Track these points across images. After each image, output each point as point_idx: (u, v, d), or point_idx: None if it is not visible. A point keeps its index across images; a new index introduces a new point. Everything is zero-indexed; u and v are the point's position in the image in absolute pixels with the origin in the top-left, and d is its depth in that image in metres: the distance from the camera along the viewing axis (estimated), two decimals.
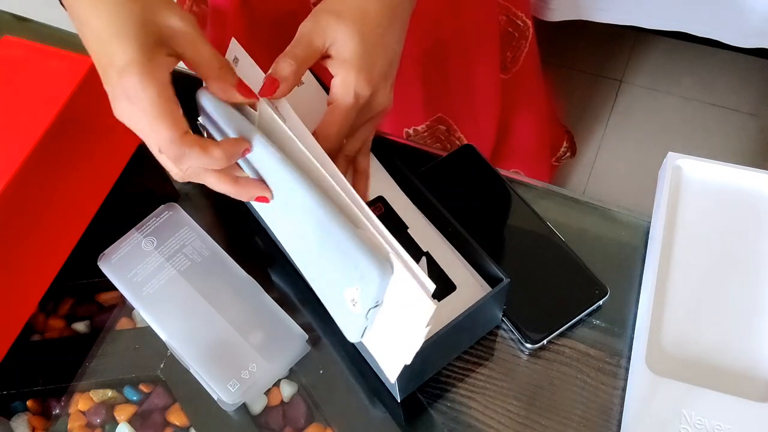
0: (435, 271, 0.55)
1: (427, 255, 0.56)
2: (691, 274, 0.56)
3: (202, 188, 0.66)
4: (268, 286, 0.58)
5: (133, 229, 0.61)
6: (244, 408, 0.56)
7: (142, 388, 0.58)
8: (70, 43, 0.74)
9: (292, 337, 0.56)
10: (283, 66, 0.49)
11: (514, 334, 0.57)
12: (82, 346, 0.60)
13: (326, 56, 0.51)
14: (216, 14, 0.79)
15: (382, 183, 0.59)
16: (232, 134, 0.48)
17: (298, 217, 0.48)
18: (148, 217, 0.61)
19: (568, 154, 1.41)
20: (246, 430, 0.56)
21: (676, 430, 0.50)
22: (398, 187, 0.59)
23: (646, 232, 0.60)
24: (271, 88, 0.48)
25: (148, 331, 0.58)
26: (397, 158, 0.58)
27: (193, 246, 0.60)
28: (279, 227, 0.53)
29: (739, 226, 0.58)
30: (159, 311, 0.57)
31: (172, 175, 0.49)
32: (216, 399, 0.55)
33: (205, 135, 0.53)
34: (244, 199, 0.50)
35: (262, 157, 0.48)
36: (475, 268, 0.55)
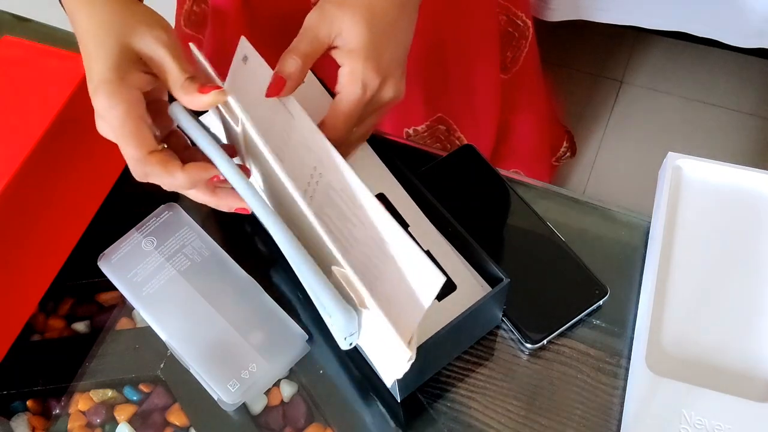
0: None
1: (428, 254, 0.56)
2: (691, 274, 0.56)
3: None
4: (268, 286, 0.58)
5: (133, 229, 0.61)
6: (244, 408, 0.56)
7: (142, 388, 0.58)
8: (70, 43, 0.74)
9: (292, 337, 0.56)
10: (289, 63, 0.49)
11: (514, 334, 0.57)
12: (82, 346, 0.60)
13: (332, 47, 0.50)
14: (216, 14, 0.79)
15: (384, 181, 0.59)
16: (209, 151, 0.47)
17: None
18: (148, 217, 0.61)
19: (568, 154, 1.41)
20: (246, 430, 0.56)
21: (676, 430, 0.50)
22: (399, 185, 0.59)
23: (646, 232, 0.60)
24: (277, 87, 0.48)
25: (148, 331, 0.58)
26: (397, 158, 0.58)
27: (193, 246, 0.60)
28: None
29: (739, 226, 0.57)
30: (159, 311, 0.57)
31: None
32: (216, 399, 0.55)
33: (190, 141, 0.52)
34: (223, 210, 0.50)
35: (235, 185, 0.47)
36: (475, 268, 0.55)
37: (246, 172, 0.48)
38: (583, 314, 0.57)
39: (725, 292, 0.55)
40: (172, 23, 0.84)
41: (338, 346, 0.58)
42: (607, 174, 1.47)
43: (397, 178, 0.59)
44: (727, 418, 0.50)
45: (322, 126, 0.50)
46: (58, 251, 0.62)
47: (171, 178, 0.46)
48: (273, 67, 0.53)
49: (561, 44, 1.55)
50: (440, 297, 0.54)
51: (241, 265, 0.59)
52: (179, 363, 0.57)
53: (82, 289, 0.62)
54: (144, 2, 0.50)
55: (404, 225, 0.57)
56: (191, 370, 0.56)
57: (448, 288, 0.54)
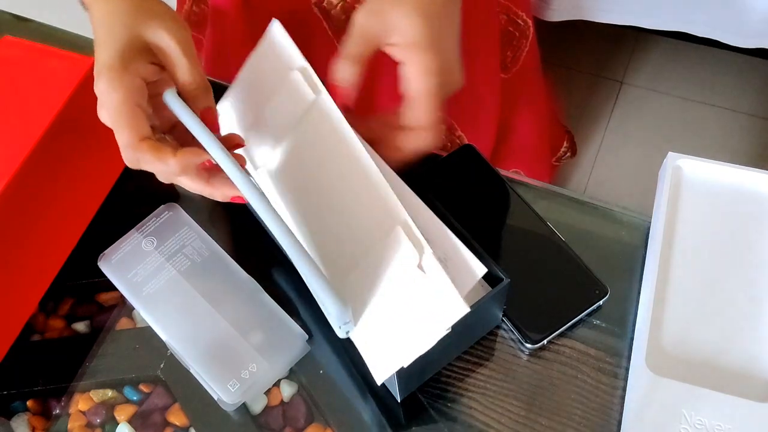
0: None
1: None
2: (691, 274, 0.56)
3: None
4: (268, 286, 0.58)
5: (133, 229, 0.61)
6: (244, 408, 0.56)
7: (142, 388, 0.58)
8: (70, 43, 0.74)
9: (292, 337, 0.56)
10: (344, 69, 0.48)
11: (514, 334, 0.57)
12: (82, 346, 0.60)
13: (387, 45, 0.49)
14: (216, 14, 0.79)
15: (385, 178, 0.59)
16: (201, 137, 0.47)
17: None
18: (148, 217, 0.61)
19: (568, 154, 1.41)
20: (246, 430, 0.56)
21: (676, 430, 0.50)
22: (403, 183, 0.59)
23: (646, 232, 0.60)
24: (337, 97, 0.48)
25: (148, 331, 0.58)
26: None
27: (193, 246, 0.60)
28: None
29: (739, 226, 0.57)
30: (159, 311, 0.57)
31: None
32: (216, 399, 0.55)
33: None
34: (218, 199, 0.50)
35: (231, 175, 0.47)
36: None
37: (240, 160, 0.48)
38: (583, 314, 0.57)
39: (725, 292, 0.55)
40: None
41: (338, 346, 0.58)
42: (607, 174, 1.47)
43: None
44: (727, 418, 0.50)
45: (412, 133, 0.49)
46: (58, 251, 0.62)
47: (163, 164, 0.45)
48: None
49: (561, 44, 1.55)
50: None
51: (241, 265, 0.59)
52: (179, 363, 0.57)
53: (82, 289, 0.62)
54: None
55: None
56: (191, 370, 0.56)
57: None
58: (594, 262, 0.58)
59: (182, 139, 0.50)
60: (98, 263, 0.60)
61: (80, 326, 0.61)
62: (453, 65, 0.49)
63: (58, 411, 0.58)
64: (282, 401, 0.57)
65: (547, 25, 1.34)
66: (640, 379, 0.51)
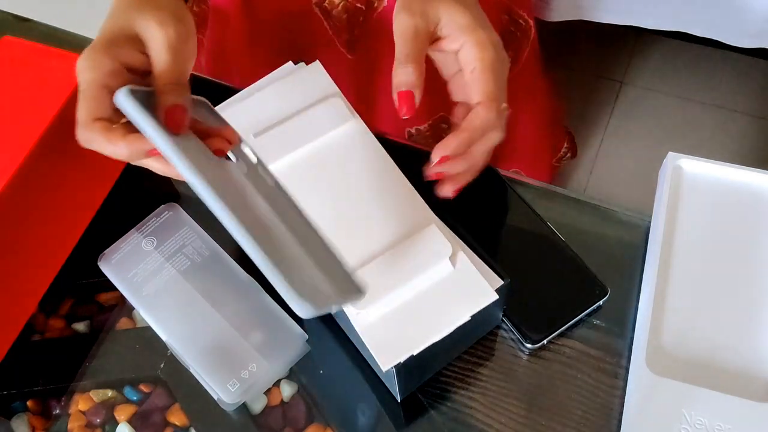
0: None
1: None
2: (691, 274, 0.56)
3: None
4: (268, 286, 0.58)
5: (133, 229, 0.61)
6: (244, 408, 0.56)
7: (142, 388, 0.58)
8: (70, 43, 0.74)
9: (292, 337, 0.56)
10: (403, 73, 0.47)
11: (514, 334, 0.57)
12: (82, 346, 0.60)
13: (436, 39, 0.49)
14: (216, 14, 0.79)
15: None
16: (144, 129, 0.45)
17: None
18: (148, 217, 0.61)
19: (568, 155, 1.41)
20: (246, 430, 0.56)
21: (676, 430, 0.50)
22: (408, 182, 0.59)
23: (646, 232, 0.60)
24: (407, 104, 0.48)
25: (148, 331, 0.58)
26: (397, 159, 0.58)
27: (193, 246, 0.60)
28: None
29: (740, 226, 0.57)
30: (159, 311, 0.57)
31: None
32: (216, 399, 0.55)
33: None
34: (176, 177, 0.49)
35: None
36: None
37: (231, 138, 0.48)
38: (583, 314, 0.56)
39: (725, 291, 0.55)
40: None
41: (338, 346, 0.58)
42: (607, 174, 1.47)
43: None
44: (727, 418, 0.50)
45: (479, 107, 0.48)
46: (58, 251, 0.62)
47: (112, 146, 0.45)
48: (267, 71, 0.53)
49: (561, 44, 1.55)
50: None
51: (241, 265, 0.59)
52: (179, 363, 0.57)
53: (82, 289, 0.62)
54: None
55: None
56: (191, 370, 0.56)
57: None
58: (594, 262, 0.58)
59: None
60: (98, 263, 0.60)
61: (80, 326, 0.61)
62: (501, 44, 0.50)
63: (58, 411, 0.58)
64: (282, 401, 0.57)
65: (546, 25, 1.34)
66: (640, 379, 0.51)
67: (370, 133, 0.54)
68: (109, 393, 0.58)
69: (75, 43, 0.74)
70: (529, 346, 0.56)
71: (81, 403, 0.58)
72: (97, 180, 0.64)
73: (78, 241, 0.63)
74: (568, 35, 1.51)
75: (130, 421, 0.57)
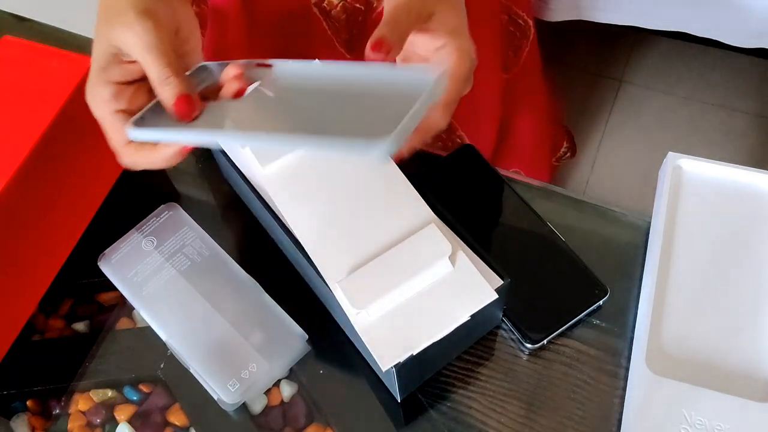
0: None
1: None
2: (691, 274, 0.56)
3: (202, 188, 0.66)
4: (268, 286, 0.58)
5: (133, 229, 0.61)
6: (244, 408, 0.56)
7: (142, 388, 0.58)
8: (70, 43, 0.74)
9: (292, 337, 0.56)
10: (387, 30, 0.46)
11: (514, 334, 0.57)
12: (82, 346, 0.60)
13: (424, 27, 0.49)
14: (216, 14, 0.79)
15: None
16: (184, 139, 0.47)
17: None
18: (148, 217, 0.61)
19: (568, 154, 1.41)
20: (246, 430, 0.56)
21: (676, 430, 0.50)
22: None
23: (646, 232, 0.60)
24: (379, 51, 0.46)
25: (148, 331, 0.58)
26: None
27: (193, 246, 0.60)
28: None
29: (740, 226, 0.57)
30: (159, 311, 0.57)
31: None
32: (216, 399, 0.55)
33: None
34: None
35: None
36: None
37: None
38: (583, 314, 0.57)
39: (725, 292, 0.55)
40: None
41: (338, 346, 0.58)
42: (607, 174, 1.47)
43: None
44: (727, 418, 0.50)
45: (443, 106, 0.49)
46: (58, 251, 0.62)
47: (152, 159, 0.47)
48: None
49: (561, 44, 1.55)
50: None
51: (241, 265, 0.59)
52: (179, 363, 0.57)
53: (82, 289, 0.62)
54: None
55: None
56: (191, 370, 0.56)
57: None
58: (594, 262, 0.58)
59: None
60: (98, 263, 0.60)
61: (80, 326, 0.61)
62: (474, 54, 0.52)
63: (58, 411, 0.58)
64: (282, 401, 0.57)
65: (546, 24, 1.34)
66: (640, 379, 0.51)
67: None
68: (109, 393, 0.58)
69: (75, 43, 0.74)
70: (529, 346, 0.56)
71: (81, 403, 0.58)
72: (97, 180, 0.64)
73: (78, 241, 0.63)
74: (567, 35, 1.51)
75: (130, 421, 0.57)
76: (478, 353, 0.57)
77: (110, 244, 0.60)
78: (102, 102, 0.47)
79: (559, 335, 0.56)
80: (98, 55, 0.47)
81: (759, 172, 0.58)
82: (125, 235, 0.60)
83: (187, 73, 0.50)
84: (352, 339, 0.57)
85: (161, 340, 0.57)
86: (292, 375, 0.57)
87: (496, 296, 0.49)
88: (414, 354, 0.47)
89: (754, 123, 1.49)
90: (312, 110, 0.46)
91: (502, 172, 0.62)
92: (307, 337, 0.57)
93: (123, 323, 0.61)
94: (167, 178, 0.67)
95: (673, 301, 0.55)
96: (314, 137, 0.42)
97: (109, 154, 0.64)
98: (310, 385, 0.57)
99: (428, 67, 0.48)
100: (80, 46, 0.73)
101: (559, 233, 0.59)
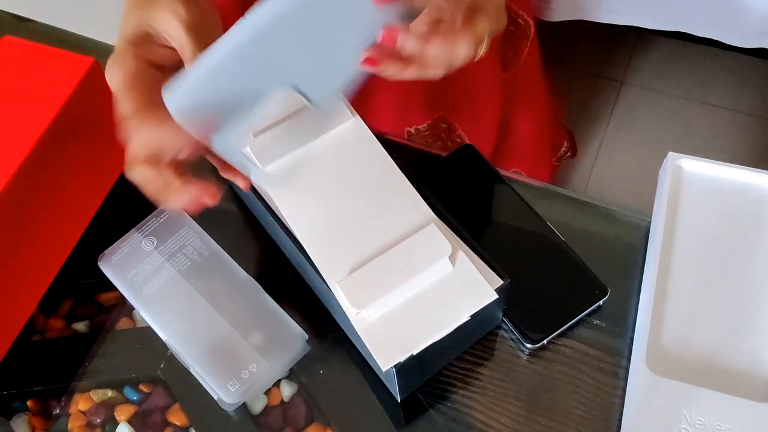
0: None
1: None
2: (691, 274, 0.56)
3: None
4: (268, 286, 0.58)
5: (133, 229, 0.61)
6: (244, 408, 0.56)
7: (142, 388, 0.58)
8: (70, 43, 0.74)
9: (292, 337, 0.56)
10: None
11: (514, 334, 0.57)
12: (82, 346, 0.60)
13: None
14: None
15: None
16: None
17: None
18: (148, 217, 0.61)
19: (568, 154, 1.41)
20: (246, 430, 0.56)
21: (676, 430, 0.50)
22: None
23: (646, 232, 0.60)
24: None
25: (148, 331, 0.58)
26: (397, 158, 0.58)
27: (193, 246, 0.60)
28: None
29: (740, 226, 0.57)
30: (159, 311, 0.57)
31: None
32: (216, 399, 0.55)
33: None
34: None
35: None
36: None
37: None
38: (583, 314, 0.56)
39: (725, 292, 0.55)
40: None
41: (338, 346, 0.58)
42: (607, 174, 1.48)
43: None
44: (727, 418, 0.50)
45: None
46: (58, 251, 0.62)
47: (165, 131, 0.46)
48: None
49: (561, 44, 1.55)
50: None
51: (241, 265, 0.59)
52: (179, 363, 0.57)
53: (82, 289, 0.62)
54: None
55: None
56: (191, 370, 0.56)
57: None
58: (594, 262, 0.58)
59: None
60: (98, 263, 0.60)
61: (80, 326, 0.61)
62: (484, 12, 0.48)
63: (58, 411, 0.58)
64: (282, 401, 0.57)
65: (547, 25, 1.34)
66: (640, 379, 0.51)
67: (370, 132, 0.55)
68: (109, 393, 0.58)
69: (75, 43, 0.74)
70: (529, 346, 0.56)
71: (81, 403, 0.58)
72: (97, 180, 0.64)
73: (78, 241, 0.63)
74: (568, 35, 1.51)
75: (130, 421, 0.57)
76: (478, 353, 0.57)
77: (110, 244, 0.60)
78: (128, 73, 0.46)
79: (559, 335, 0.56)
80: (128, 33, 0.46)
81: (759, 172, 0.58)
82: (125, 235, 0.60)
83: None
84: (352, 339, 0.57)
85: (161, 340, 0.57)
86: (292, 375, 0.57)
87: (496, 296, 0.48)
88: (414, 354, 0.47)
89: (754, 123, 1.49)
90: None
91: (503, 172, 0.62)
92: (307, 337, 0.57)
93: (123, 323, 0.61)
94: None
95: (673, 301, 0.55)
96: None
97: (109, 154, 0.64)
98: (310, 385, 0.57)
99: None
100: (80, 46, 0.73)
101: (559, 233, 0.59)
